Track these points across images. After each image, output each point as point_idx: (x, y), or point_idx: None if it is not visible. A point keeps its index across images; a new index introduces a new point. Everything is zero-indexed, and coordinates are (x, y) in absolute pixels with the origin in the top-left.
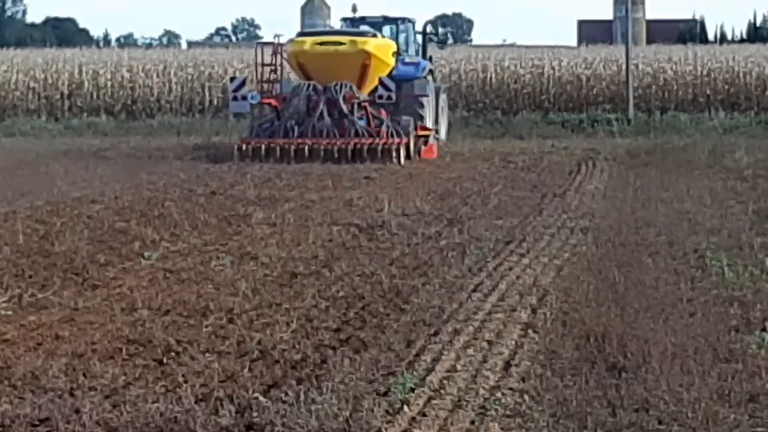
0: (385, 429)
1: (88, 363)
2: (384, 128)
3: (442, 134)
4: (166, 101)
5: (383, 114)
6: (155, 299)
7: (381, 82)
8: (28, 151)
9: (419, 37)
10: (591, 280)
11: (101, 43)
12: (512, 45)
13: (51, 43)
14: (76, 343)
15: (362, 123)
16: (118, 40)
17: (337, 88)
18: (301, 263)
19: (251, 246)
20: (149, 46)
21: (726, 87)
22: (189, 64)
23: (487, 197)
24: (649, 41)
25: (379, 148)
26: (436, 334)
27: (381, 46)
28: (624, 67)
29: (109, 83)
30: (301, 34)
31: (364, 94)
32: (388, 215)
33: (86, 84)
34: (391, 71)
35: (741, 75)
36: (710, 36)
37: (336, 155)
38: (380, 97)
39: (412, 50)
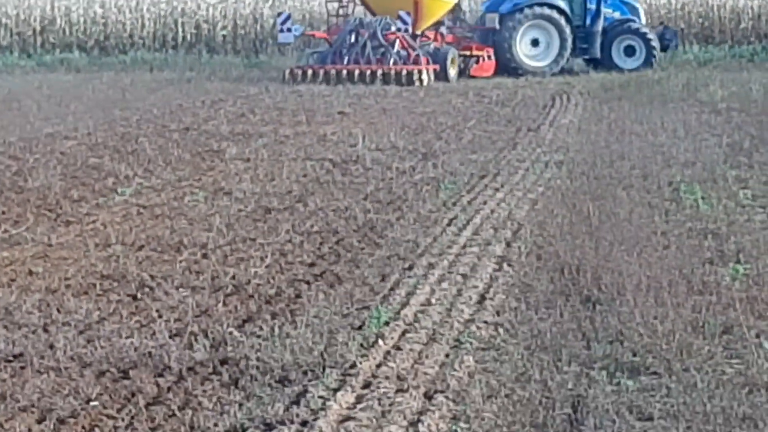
0: (360, 362)
1: (62, 298)
2: (414, 56)
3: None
4: (139, 37)
5: (451, 39)
6: (129, 235)
7: (399, 16)
8: (0, 88)
9: None
10: (565, 214)
11: None
12: None
13: None
14: (49, 279)
15: (404, 52)
16: None
17: (377, 22)
18: (276, 198)
19: (225, 181)
20: None
21: (700, 21)
22: None
23: (461, 132)
24: None
25: (404, 72)
26: (410, 268)
27: None
28: None
29: (81, 19)
30: None
31: (421, 29)
32: (363, 150)
33: (58, 20)
34: (454, 8)
35: (715, 8)
36: None
37: (371, 78)
38: (398, 29)
39: None
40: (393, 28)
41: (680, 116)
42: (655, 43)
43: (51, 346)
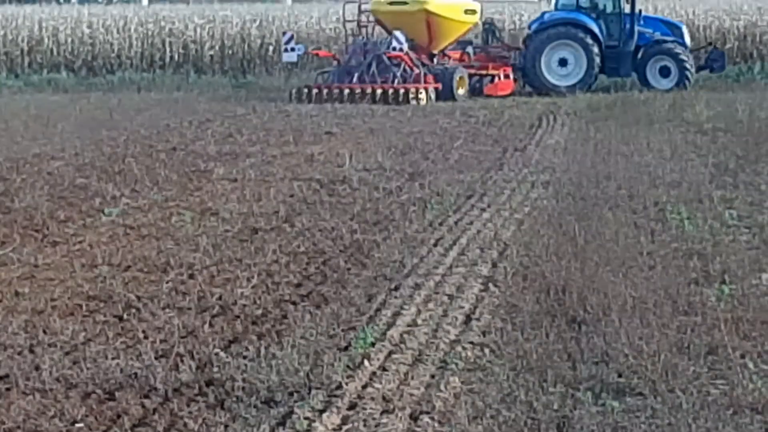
0: (346, 383)
1: (48, 319)
2: (416, 75)
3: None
4: (126, 57)
5: (477, 58)
6: (115, 255)
7: (394, 36)
8: None
9: None
10: (551, 234)
11: (61, 0)
12: None
13: None
14: (35, 300)
15: (410, 71)
16: None
17: (381, 43)
18: (262, 219)
19: (212, 202)
20: (109, 2)
21: None
22: (149, 20)
23: (448, 152)
24: None
25: (401, 91)
26: (396, 288)
27: (444, 6)
28: None
29: (69, 39)
30: None
31: (437, 48)
32: (350, 170)
33: (46, 40)
34: (486, 27)
35: (701, 29)
36: None
37: (372, 98)
38: (394, 48)
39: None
40: (395, 49)
41: (666, 137)
42: (689, 64)
43: (37, 368)
